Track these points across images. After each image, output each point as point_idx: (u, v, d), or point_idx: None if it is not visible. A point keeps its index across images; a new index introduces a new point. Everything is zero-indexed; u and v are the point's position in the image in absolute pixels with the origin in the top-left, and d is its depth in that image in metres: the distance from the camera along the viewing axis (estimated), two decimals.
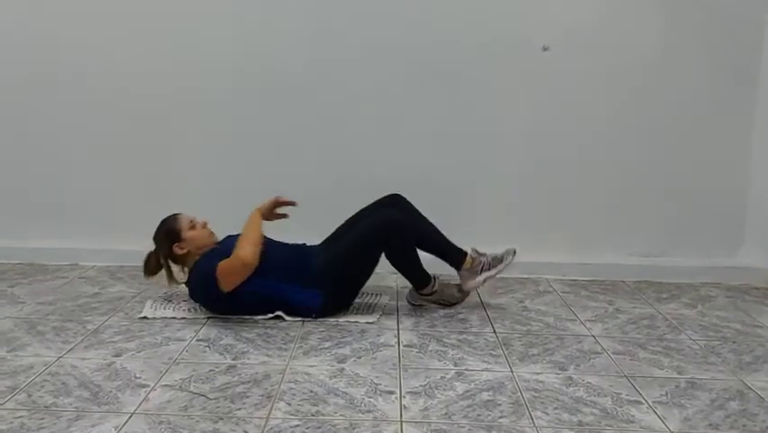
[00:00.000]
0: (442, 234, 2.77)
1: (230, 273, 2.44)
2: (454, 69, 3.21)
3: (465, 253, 2.75)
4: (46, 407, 1.84)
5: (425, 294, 2.72)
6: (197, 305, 2.63)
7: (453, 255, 2.74)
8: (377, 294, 2.86)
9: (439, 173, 3.25)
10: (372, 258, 2.62)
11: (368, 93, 3.22)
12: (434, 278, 2.72)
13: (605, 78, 3.22)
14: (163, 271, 2.65)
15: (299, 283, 2.54)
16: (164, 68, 3.22)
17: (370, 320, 2.56)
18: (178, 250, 2.60)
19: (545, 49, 3.18)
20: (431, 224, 2.78)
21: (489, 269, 2.70)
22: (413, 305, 2.76)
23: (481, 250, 2.76)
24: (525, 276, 3.22)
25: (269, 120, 3.24)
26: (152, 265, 2.67)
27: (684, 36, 3.20)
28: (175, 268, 2.65)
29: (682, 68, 3.21)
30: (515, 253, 2.71)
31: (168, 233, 2.61)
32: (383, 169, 3.15)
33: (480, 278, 2.70)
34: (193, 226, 2.62)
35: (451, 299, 2.75)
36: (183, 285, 2.63)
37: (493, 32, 3.18)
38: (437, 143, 3.26)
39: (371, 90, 3.22)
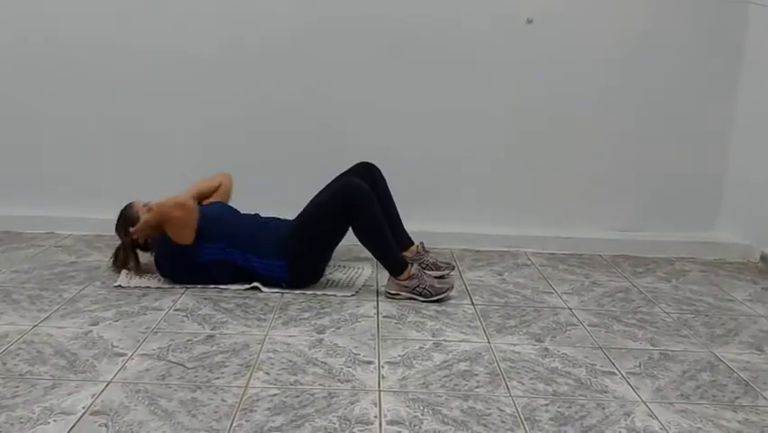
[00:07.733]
0: (399, 217, 2.78)
1: (172, 221, 2.46)
2: (438, 43, 3.18)
3: (412, 243, 2.81)
4: (21, 375, 1.82)
5: (401, 280, 2.49)
6: None
7: (400, 238, 2.73)
8: (359, 267, 2.86)
9: (421, 147, 3.24)
10: (333, 228, 2.51)
11: (351, 67, 3.19)
12: (412, 264, 2.55)
13: (586, 54, 3.21)
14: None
15: (265, 255, 2.52)
16: (138, 35, 3.14)
17: (350, 293, 2.56)
18: None
19: (529, 21, 3.16)
20: (393, 204, 2.77)
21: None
22: (390, 295, 2.52)
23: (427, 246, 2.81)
24: (504, 249, 3.24)
25: (247, 89, 3.19)
26: (121, 258, 2.68)
27: (669, 14, 3.19)
28: (142, 255, 2.69)
29: (665, 45, 3.21)
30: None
31: (125, 223, 2.62)
32: (365, 144, 3.10)
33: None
34: (149, 210, 2.59)
35: (432, 290, 2.49)
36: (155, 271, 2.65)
37: (477, 4, 3.15)
38: (420, 117, 3.24)
39: (355, 64, 3.18)
